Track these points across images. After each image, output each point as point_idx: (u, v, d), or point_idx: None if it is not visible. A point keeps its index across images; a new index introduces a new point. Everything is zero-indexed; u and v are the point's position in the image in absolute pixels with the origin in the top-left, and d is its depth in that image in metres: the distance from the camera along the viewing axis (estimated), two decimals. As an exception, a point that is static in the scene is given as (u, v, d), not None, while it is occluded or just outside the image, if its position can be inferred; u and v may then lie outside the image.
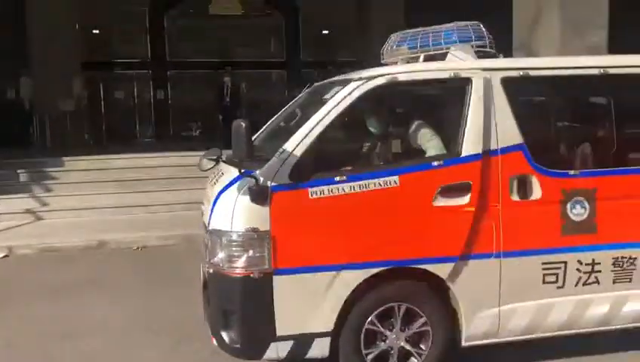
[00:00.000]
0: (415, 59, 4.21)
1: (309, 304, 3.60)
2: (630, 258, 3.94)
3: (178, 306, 5.50)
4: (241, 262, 3.54)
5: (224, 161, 4.04)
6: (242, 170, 3.45)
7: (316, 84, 4.91)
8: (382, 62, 4.60)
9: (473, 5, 17.28)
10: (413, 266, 3.69)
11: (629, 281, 3.98)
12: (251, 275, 3.52)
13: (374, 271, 3.61)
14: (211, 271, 3.73)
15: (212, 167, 3.79)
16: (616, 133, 4.06)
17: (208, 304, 4.03)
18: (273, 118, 5.02)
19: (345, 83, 3.80)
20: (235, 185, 3.59)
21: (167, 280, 6.47)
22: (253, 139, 4.73)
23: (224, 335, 3.69)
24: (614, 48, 9.63)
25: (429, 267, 3.69)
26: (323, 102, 3.74)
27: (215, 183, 3.97)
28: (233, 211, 3.54)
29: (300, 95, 5.00)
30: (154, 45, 18.78)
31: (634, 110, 4.24)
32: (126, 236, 8.32)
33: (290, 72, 19.37)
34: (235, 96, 13.62)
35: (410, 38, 4.23)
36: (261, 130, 4.98)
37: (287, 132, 4.64)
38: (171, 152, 11.65)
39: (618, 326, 4.05)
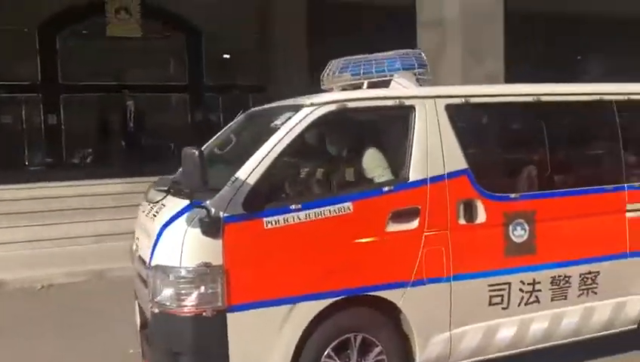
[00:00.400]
0: (358, 86, 4.21)
1: (264, 341, 3.43)
2: (565, 276, 4.13)
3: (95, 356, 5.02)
4: (191, 300, 3.32)
5: (164, 191, 3.78)
6: (192, 201, 3.25)
7: (252, 110, 4.79)
8: (322, 87, 4.58)
9: (377, 35, 17.98)
10: (368, 294, 3.63)
11: (565, 299, 4.16)
12: (203, 314, 3.31)
13: (330, 301, 3.52)
14: (156, 310, 3.45)
15: (162, 199, 3.53)
16: (550, 157, 4.27)
17: (149, 344, 3.75)
18: (206, 145, 4.82)
19: (294, 109, 3.71)
20: (184, 217, 3.37)
21: (78, 323, 5.92)
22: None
23: (172, 379, 3.43)
24: (508, 76, 10.38)
25: (383, 294, 3.66)
26: (272, 129, 3.63)
27: (156, 215, 3.71)
28: (182, 245, 3.32)
29: (233, 121, 4.84)
30: (44, 67, 17.68)
31: (564, 135, 4.50)
32: (28, 274, 7.63)
33: (193, 96, 18.93)
34: (138, 120, 13.08)
35: (353, 65, 4.24)
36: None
37: (225, 159, 4.51)
38: (73, 181, 10.92)
39: (557, 343, 4.21)
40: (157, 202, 3.55)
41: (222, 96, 18.82)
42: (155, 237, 3.52)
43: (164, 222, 3.49)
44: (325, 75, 4.54)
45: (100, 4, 16.71)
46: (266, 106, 4.58)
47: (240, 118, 4.80)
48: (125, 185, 10.23)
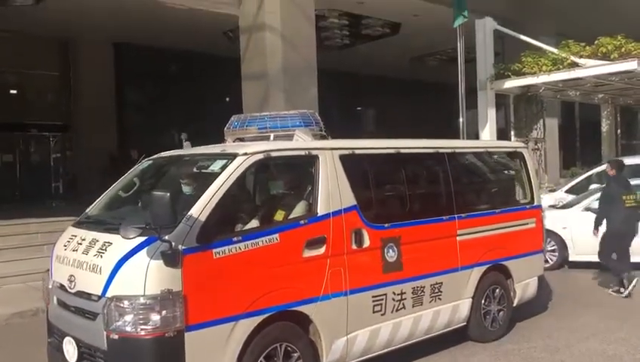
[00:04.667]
0: (265, 138, 5.03)
1: (214, 355, 4.00)
2: (422, 286, 5.35)
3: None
4: (154, 323, 3.78)
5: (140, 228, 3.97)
6: (160, 236, 3.73)
7: (155, 156, 5.25)
8: (225, 138, 5.28)
9: (199, 84, 18.61)
10: (291, 309, 4.41)
11: (421, 304, 5.38)
12: (165, 335, 3.79)
13: (263, 317, 4.23)
14: (115, 336, 3.82)
15: (139, 235, 3.89)
16: (408, 194, 5.51)
17: None
18: (109, 190, 5.16)
19: (227, 157, 4.40)
20: (144, 251, 3.83)
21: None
22: (91, 207, 4.94)
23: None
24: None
25: (301, 308, 4.47)
26: (211, 174, 4.27)
27: (103, 251, 4.05)
28: (146, 275, 3.78)
29: (135, 167, 5.24)
30: None
31: (415, 177, 5.82)
32: None
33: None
34: None
35: (259, 120, 5.07)
36: (98, 200, 5.09)
37: (134, 201, 4.96)
38: None
39: (418, 340, 5.39)
40: (133, 238, 3.89)
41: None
42: (110, 271, 3.90)
43: (120, 257, 3.90)
44: (227, 127, 5.26)
45: None
46: (176, 154, 5.14)
47: (144, 164, 5.23)
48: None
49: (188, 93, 18.41)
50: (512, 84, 13.63)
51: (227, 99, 17.07)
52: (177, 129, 14.08)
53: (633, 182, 9.83)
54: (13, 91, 17.89)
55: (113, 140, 17.42)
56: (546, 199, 10.19)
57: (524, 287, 6.50)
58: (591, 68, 12.40)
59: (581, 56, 12.47)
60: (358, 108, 26.08)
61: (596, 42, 12.35)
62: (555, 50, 12.98)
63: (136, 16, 14.84)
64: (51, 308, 4.61)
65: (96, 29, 15.89)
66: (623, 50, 11.95)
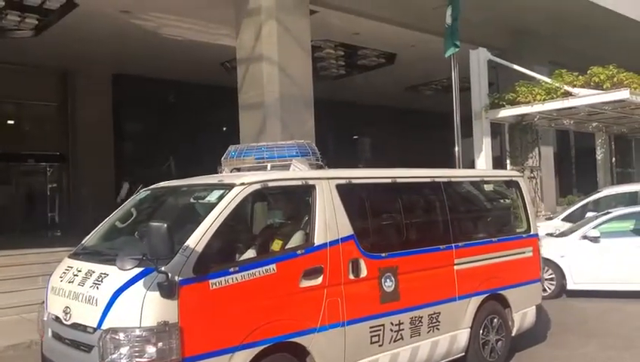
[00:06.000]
0: (262, 168, 5.06)
1: (210, 387, 3.96)
2: (419, 316, 5.32)
3: None
4: (150, 356, 3.75)
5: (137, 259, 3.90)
6: (158, 267, 3.73)
7: (153, 187, 5.27)
8: (222, 168, 5.31)
9: (197, 114, 18.73)
10: (288, 340, 4.37)
11: (419, 335, 5.34)
12: (161, 367, 3.75)
13: (260, 348, 4.20)
14: (111, 369, 3.78)
15: (135, 266, 3.87)
16: (404, 223, 5.52)
17: None
18: (105, 220, 5.17)
19: (224, 187, 4.42)
20: (140, 283, 3.82)
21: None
22: (87, 238, 4.94)
23: None
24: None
25: (299, 339, 4.44)
26: (207, 204, 4.29)
27: (99, 282, 4.04)
28: (142, 307, 3.77)
29: (133, 197, 5.26)
30: None
31: (412, 206, 5.82)
32: None
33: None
34: None
35: (256, 150, 5.10)
36: (95, 231, 5.09)
37: (129, 232, 4.96)
38: None
39: (415, 371, 5.34)
40: (129, 269, 3.87)
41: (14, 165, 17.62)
42: (106, 303, 3.88)
43: (116, 289, 3.88)
44: (224, 157, 5.30)
45: None
46: (174, 184, 5.16)
47: (141, 194, 5.24)
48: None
49: (186, 123, 18.53)
50: (506, 113, 13.76)
51: (224, 128, 17.17)
52: (174, 157, 14.14)
53: (632, 209, 9.94)
54: (11, 122, 18.03)
55: (111, 171, 17.44)
56: (542, 227, 10.22)
57: (522, 316, 6.46)
58: (584, 97, 12.57)
59: (574, 86, 12.63)
60: (354, 137, 26.25)
61: (589, 72, 12.54)
62: (548, 80, 13.15)
63: (135, 47, 15.03)
64: (46, 340, 4.57)
65: (95, 60, 16.06)
66: (615, 79, 12.13)
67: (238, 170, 5.19)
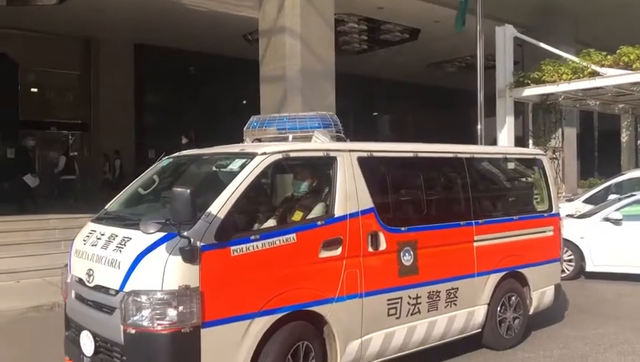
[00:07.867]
0: (284, 139, 5.05)
1: (229, 352, 4.01)
2: (437, 291, 5.32)
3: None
4: (171, 319, 3.79)
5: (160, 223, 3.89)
6: (180, 232, 3.76)
7: (175, 155, 5.29)
8: (243, 138, 5.31)
9: (218, 86, 18.73)
10: (307, 309, 4.41)
11: (436, 309, 5.34)
12: (182, 330, 3.80)
13: (279, 316, 4.23)
14: (132, 331, 3.85)
15: (158, 231, 3.90)
16: (425, 198, 5.49)
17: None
18: (128, 186, 5.22)
19: (246, 156, 4.42)
20: (163, 247, 3.86)
21: None
22: (110, 204, 4.99)
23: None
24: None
25: (317, 308, 4.47)
26: (229, 173, 4.30)
27: (122, 246, 4.09)
28: (164, 271, 3.80)
29: (155, 165, 5.29)
30: None
31: (433, 182, 5.79)
32: None
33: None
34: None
35: (278, 121, 5.09)
36: (117, 196, 5.14)
37: (151, 198, 4.99)
38: None
39: (432, 345, 5.36)
40: (153, 233, 3.91)
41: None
42: (128, 266, 3.93)
43: (139, 252, 3.93)
44: (246, 127, 5.29)
45: None
46: (196, 152, 5.18)
47: (164, 162, 5.26)
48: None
49: (206, 94, 18.55)
50: (531, 92, 13.56)
51: (245, 100, 17.17)
52: (195, 129, 14.20)
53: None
54: (34, 89, 18.20)
55: (132, 140, 17.58)
56: (563, 208, 10.12)
57: (540, 295, 6.44)
58: (612, 77, 12.32)
59: (602, 65, 12.39)
60: (374, 113, 26.09)
61: (618, 51, 12.27)
62: (575, 59, 12.90)
63: (157, 17, 15.03)
64: (69, 302, 4.65)
65: (117, 30, 16.11)
66: (645, 59, 11.86)
67: (260, 140, 5.19)
